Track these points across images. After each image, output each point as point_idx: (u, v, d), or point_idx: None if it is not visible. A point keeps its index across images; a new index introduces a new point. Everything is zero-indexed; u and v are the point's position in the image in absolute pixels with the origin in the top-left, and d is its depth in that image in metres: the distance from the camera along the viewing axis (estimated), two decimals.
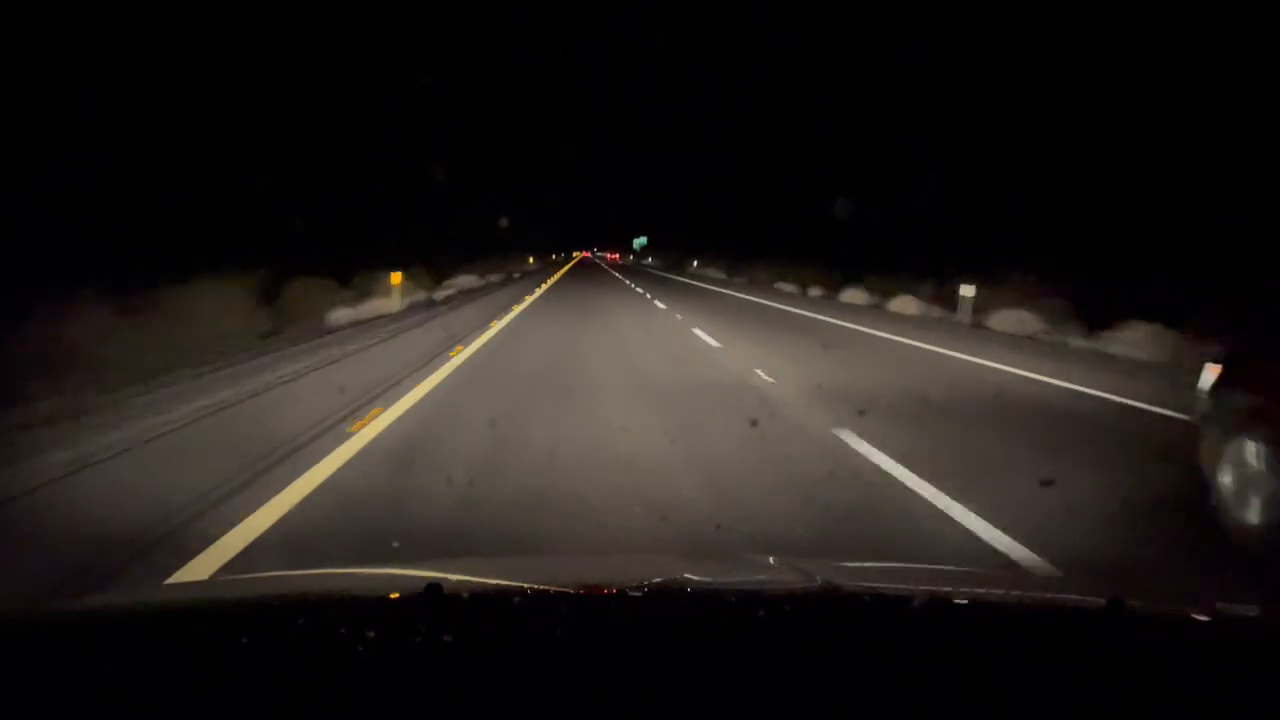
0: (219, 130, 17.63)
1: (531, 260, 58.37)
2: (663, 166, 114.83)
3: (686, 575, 1.79)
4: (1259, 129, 15.33)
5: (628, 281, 40.00)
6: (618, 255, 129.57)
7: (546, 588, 1.60)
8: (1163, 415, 7.86)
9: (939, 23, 26.70)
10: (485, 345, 12.29)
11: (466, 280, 29.33)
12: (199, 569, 3.56)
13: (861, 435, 6.39)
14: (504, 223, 48.37)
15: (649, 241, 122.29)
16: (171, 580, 3.41)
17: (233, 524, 4.11)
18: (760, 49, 57.50)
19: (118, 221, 14.10)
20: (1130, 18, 18.64)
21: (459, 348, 11.57)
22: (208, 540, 3.89)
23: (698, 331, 15.00)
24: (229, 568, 3.57)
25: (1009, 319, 17.29)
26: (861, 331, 16.45)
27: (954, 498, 4.81)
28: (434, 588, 1.28)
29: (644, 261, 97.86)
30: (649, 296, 27.05)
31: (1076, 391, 9.43)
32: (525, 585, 1.65)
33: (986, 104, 23.38)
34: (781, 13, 54.81)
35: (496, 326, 15.23)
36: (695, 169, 77.65)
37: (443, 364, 9.88)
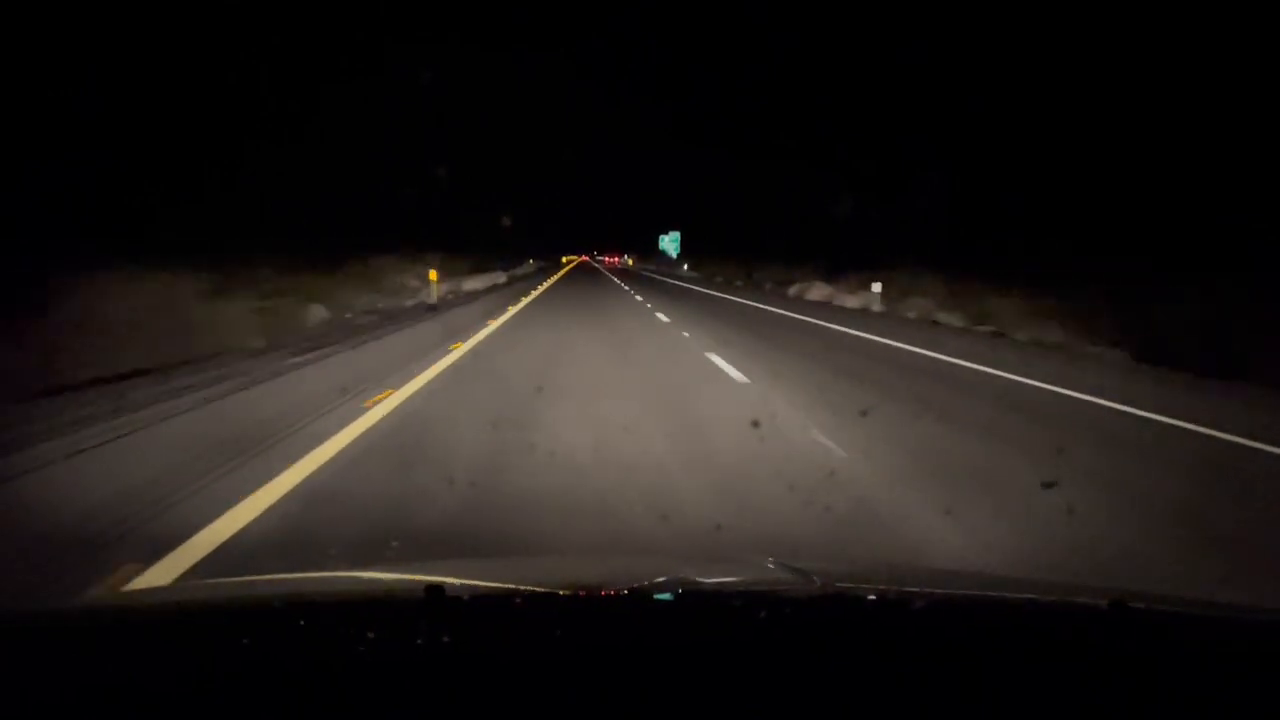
0: (219, 130, 17.65)
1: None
2: (663, 167, 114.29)
3: (686, 576, 1.79)
4: (1260, 128, 15.34)
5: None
6: (617, 259, 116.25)
7: (548, 589, 1.60)
8: None
9: (939, 23, 26.70)
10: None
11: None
12: None
13: None
14: (506, 222, 48.27)
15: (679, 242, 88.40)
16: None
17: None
18: (760, 49, 57.48)
19: (117, 221, 14.11)
20: (1129, 17, 18.64)
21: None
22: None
23: None
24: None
25: None
26: None
27: None
28: (435, 590, 1.28)
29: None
30: None
31: None
32: (526, 587, 1.65)
33: (987, 104, 23.38)
34: (781, 13, 54.82)
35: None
36: (697, 169, 76.74)
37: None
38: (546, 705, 1.02)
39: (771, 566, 1.90)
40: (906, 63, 28.03)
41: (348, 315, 15.62)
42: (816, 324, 17.57)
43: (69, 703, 1.02)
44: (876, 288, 22.32)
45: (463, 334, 12.82)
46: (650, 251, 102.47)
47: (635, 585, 1.66)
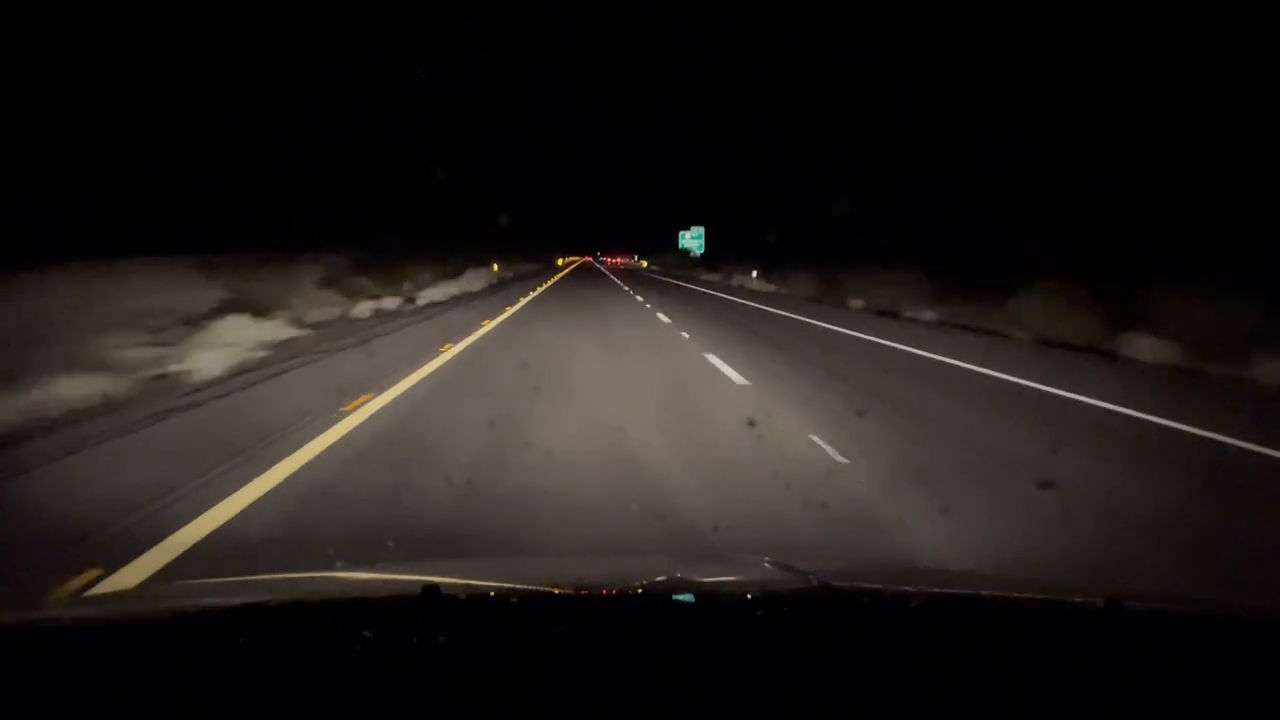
0: (220, 130, 17.65)
1: None
2: (668, 163, 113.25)
3: (683, 575, 1.78)
4: (1261, 126, 15.31)
5: None
6: (621, 260, 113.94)
7: (544, 589, 1.60)
8: None
9: (940, 23, 26.59)
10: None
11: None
12: None
13: None
14: (503, 220, 47.89)
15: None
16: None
17: None
18: (759, 48, 57.29)
19: (118, 222, 14.10)
20: (1129, 17, 18.62)
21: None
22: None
23: None
24: None
25: None
26: None
27: None
28: (431, 589, 1.28)
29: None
30: None
31: None
32: (522, 586, 1.64)
33: (986, 103, 23.21)
34: (781, 12, 54.69)
35: None
36: (711, 163, 73.79)
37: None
38: (543, 704, 1.01)
39: (768, 566, 1.90)
40: (907, 62, 27.77)
41: None
42: None
43: (68, 702, 1.01)
44: None
45: None
46: (661, 250, 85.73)
47: (632, 584, 1.66)
